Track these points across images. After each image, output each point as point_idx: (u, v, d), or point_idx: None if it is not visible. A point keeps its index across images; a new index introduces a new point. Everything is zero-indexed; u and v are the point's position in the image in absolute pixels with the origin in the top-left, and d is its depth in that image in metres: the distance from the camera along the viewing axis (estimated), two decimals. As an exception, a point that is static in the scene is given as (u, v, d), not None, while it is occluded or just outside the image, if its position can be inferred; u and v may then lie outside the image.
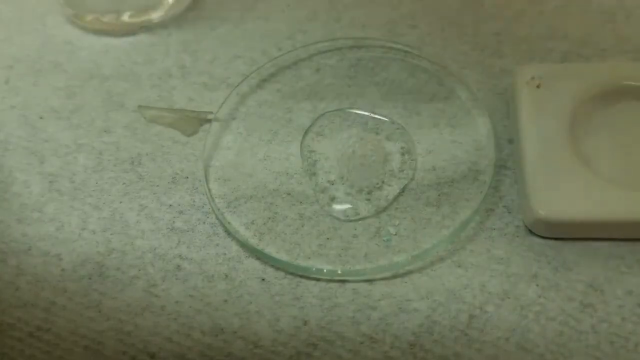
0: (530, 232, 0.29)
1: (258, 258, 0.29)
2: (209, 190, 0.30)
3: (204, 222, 0.30)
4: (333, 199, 0.30)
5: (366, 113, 0.32)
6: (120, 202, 0.30)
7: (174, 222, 0.30)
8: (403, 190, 0.30)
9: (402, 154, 0.31)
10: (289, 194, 0.30)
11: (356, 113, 0.32)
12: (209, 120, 0.32)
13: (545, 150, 0.29)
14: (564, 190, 0.28)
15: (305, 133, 0.32)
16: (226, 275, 0.28)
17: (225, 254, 0.29)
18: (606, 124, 0.30)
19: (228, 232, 0.29)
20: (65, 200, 0.31)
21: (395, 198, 0.30)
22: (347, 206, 0.30)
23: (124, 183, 0.31)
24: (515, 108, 0.31)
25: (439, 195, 0.30)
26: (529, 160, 0.29)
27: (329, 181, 0.30)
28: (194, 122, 0.33)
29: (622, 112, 0.31)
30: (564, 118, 0.30)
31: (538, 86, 0.31)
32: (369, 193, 0.30)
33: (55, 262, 0.29)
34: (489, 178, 0.30)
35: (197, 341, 0.27)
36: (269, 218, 0.30)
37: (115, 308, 0.28)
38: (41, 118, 0.34)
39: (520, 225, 0.29)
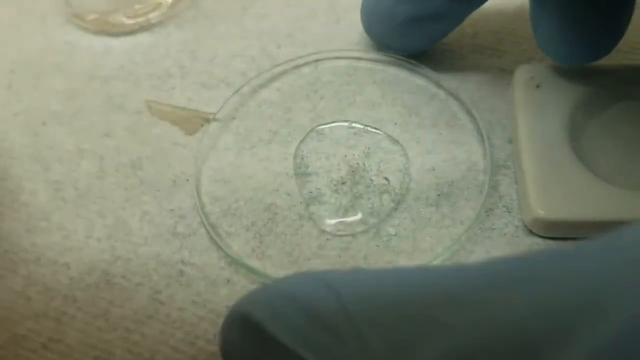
0: (530, 232, 0.29)
1: (259, 259, 0.29)
2: (201, 203, 0.30)
3: (206, 226, 0.30)
4: (324, 213, 0.30)
5: (360, 126, 0.32)
6: (123, 209, 0.30)
7: (175, 227, 0.30)
8: (397, 205, 0.30)
9: (396, 170, 0.30)
10: (288, 194, 0.30)
11: (351, 126, 0.32)
12: (211, 120, 0.32)
13: (545, 150, 0.29)
14: (563, 190, 0.28)
15: (300, 143, 0.32)
16: (228, 280, 0.28)
17: (226, 257, 0.29)
18: (606, 123, 0.30)
19: (218, 245, 0.29)
20: (70, 208, 0.31)
21: (388, 213, 0.29)
22: (338, 220, 0.29)
23: (125, 188, 0.31)
24: (514, 108, 0.31)
25: (438, 195, 0.30)
26: (529, 160, 0.29)
27: (320, 194, 0.30)
28: (196, 121, 0.33)
29: (622, 112, 0.31)
30: (563, 118, 0.30)
31: (538, 86, 0.31)
32: (361, 208, 0.29)
33: (64, 271, 0.29)
34: (489, 178, 0.30)
35: (202, 350, 0.27)
36: (269, 219, 0.30)
37: (122, 316, 0.28)
38: (44, 124, 0.33)
39: (519, 225, 0.29)
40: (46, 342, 0.27)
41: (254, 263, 0.29)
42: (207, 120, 0.32)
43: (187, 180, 0.31)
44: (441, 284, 0.19)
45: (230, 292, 0.28)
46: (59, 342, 0.27)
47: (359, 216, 0.29)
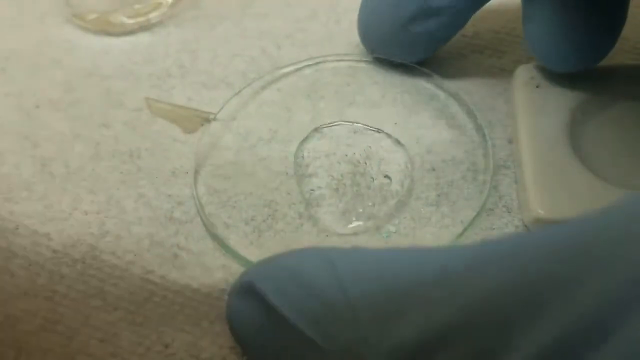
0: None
1: (257, 247, 0.28)
2: (199, 192, 0.30)
3: (201, 215, 0.29)
4: (325, 212, 0.29)
5: (360, 126, 0.32)
6: (117, 189, 0.30)
7: (172, 212, 0.30)
8: (398, 204, 0.29)
9: (397, 169, 0.30)
10: (288, 193, 0.30)
11: (351, 125, 0.32)
12: (211, 120, 0.32)
13: (545, 150, 0.29)
14: (563, 190, 0.28)
15: (300, 142, 0.31)
16: (223, 266, 0.28)
17: (223, 247, 0.29)
18: (606, 123, 0.30)
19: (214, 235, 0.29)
20: (57, 182, 0.30)
21: (389, 213, 0.29)
22: (339, 219, 0.29)
23: (121, 172, 0.31)
24: (514, 108, 0.31)
25: (438, 195, 0.30)
26: (529, 159, 0.29)
27: (321, 194, 0.30)
28: (195, 120, 0.32)
29: (622, 112, 0.31)
30: (563, 118, 0.30)
31: (538, 86, 0.31)
32: (362, 206, 0.29)
33: (45, 242, 0.29)
34: (489, 178, 0.30)
35: (207, 330, 0.27)
36: (269, 215, 0.29)
37: (119, 297, 0.27)
38: (37, 107, 0.33)
39: (519, 225, 0.29)
40: (44, 322, 0.27)
41: (251, 254, 0.28)
42: (207, 120, 0.32)
43: (187, 172, 0.31)
44: (434, 263, 0.19)
45: (226, 275, 0.28)
46: (58, 323, 0.27)
47: (359, 215, 0.29)
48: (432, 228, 0.29)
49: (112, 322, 0.27)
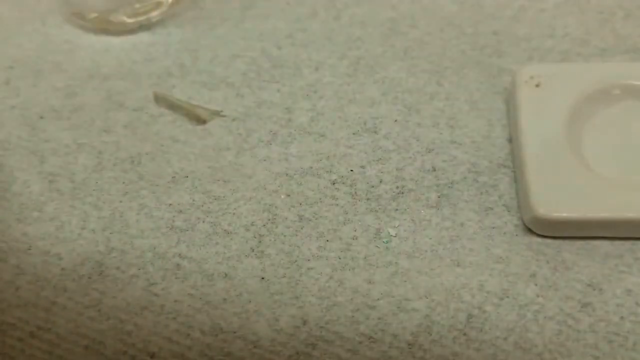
0: (529, 230, 0.29)
1: (257, 257, 0.29)
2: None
3: (204, 221, 0.30)
4: None
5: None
6: (120, 202, 0.31)
7: (173, 221, 0.30)
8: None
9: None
10: (288, 195, 0.30)
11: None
12: (217, 115, 0.32)
13: (544, 149, 0.29)
14: (562, 189, 0.28)
15: None
16: (225, 274, 0.28)
17: (224, 252, 0.29)
18: (605, 122, 0.30)
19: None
20: (65, 199, 0.31)
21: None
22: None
23: (123, 182, 0.31)
24: (514, 107, 0.31)
25: (439, 197, 0.30)
26: (528, 159, 0.29)
27: None
28: (202, 113, 0.33)
29: (621, 111, 0.31)
30: (562, 117, 0.30)
31: (537, 85, 0.31)
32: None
33: (55, 261, 0.29)
34: (488, 178, 0.30)
35: (197, 340, 0.27)
36: (269, 219, 0.30)
37: (115, 307, 0.28)
38: (41, 118, 0.34)
39: (519, 224, 0.29)
40: (35, 330, 0.27)
41: (252, 261, 0.29)
42: (213, 115, 0.33)
43: (187, 177, 0.31)
44: None
45: (227, 286, 0.28)
46: (48, 331, 0.27)
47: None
48: (432, 231, 0.29)
49: (101, 330, 0.27)
